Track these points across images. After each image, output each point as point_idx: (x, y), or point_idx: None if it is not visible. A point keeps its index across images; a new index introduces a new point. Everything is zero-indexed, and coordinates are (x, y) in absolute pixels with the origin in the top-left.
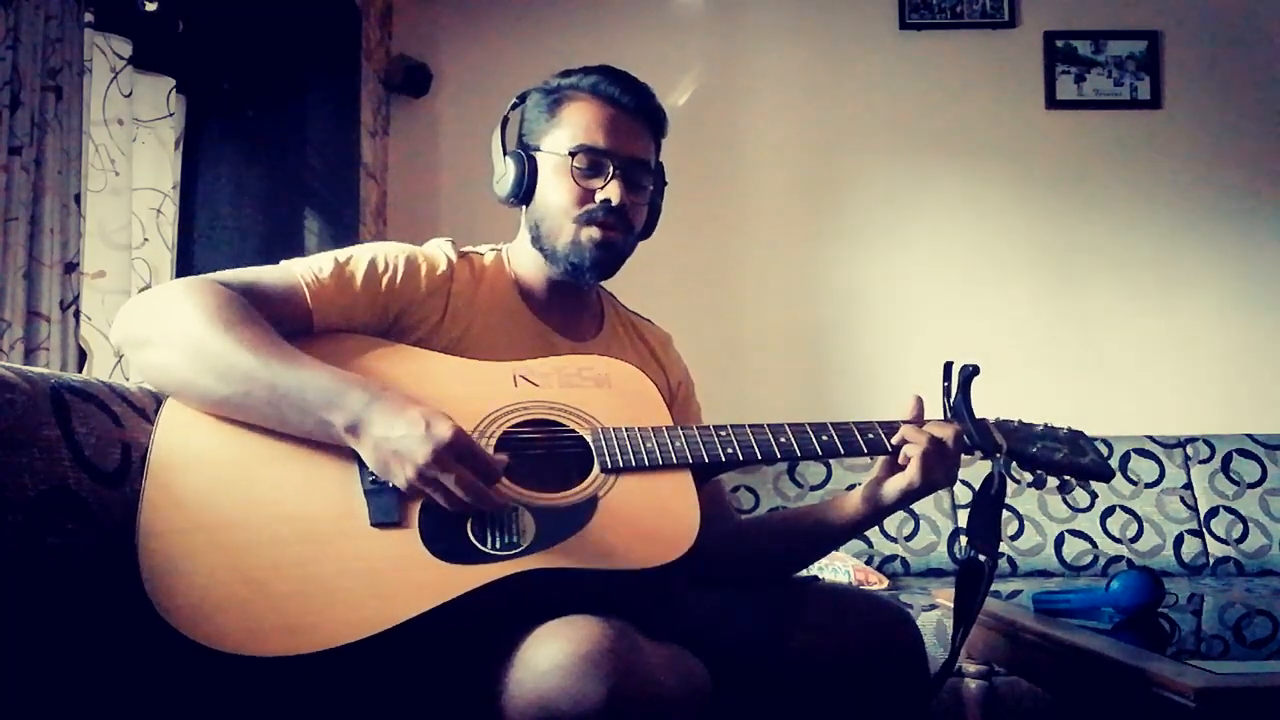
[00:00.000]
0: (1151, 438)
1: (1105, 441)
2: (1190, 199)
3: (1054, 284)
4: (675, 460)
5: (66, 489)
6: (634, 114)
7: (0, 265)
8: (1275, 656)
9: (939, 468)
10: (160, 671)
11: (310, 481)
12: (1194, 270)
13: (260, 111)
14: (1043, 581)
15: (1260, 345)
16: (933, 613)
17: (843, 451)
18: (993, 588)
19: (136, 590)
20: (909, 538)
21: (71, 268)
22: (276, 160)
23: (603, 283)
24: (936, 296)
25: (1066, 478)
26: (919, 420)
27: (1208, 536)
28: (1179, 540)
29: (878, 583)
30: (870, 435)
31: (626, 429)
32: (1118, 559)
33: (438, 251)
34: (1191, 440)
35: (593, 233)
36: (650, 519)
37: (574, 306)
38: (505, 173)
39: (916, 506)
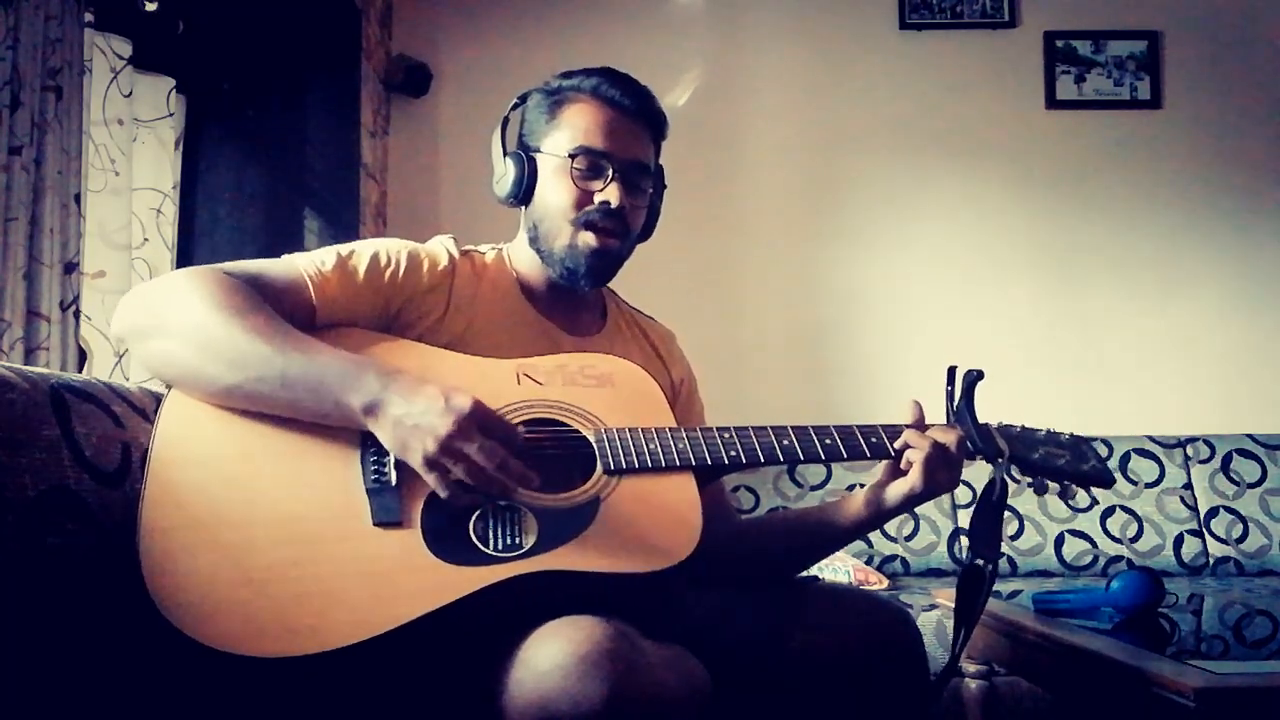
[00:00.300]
0: (1151, 438)
1: (1105, 441)
2: (1190, 199)
3: (1054, 284)
4: (678, 462)
5: (66, 489)
6: (635, 117)
7: (0, 265)
8: (1275, 656)
9: (942, 473)
10: (161, 672)
11: (312, 479)
12: (1194, 270)
13: (260, 111)
14: (1043, 581)
15: (1260, 345)
16: (933, 613)
17: (845, 455)
18: (992, 589)
19: (136, 590)
20: (909, 538)
21: (71, 268)
22: (276, 160)
23: None
24: (936, 296)
25: (1068, 483)
26: (921, 425)
27: (1208, 536)
28: (1179, 540)
29: (878, 583)
30: (873, 439)
31: (630, 430)
32: (1118, 559)
33: (440, 248)
34: (1191, 440)
35: (589, 239)
36: (653, 522)
37: (576, 303)
38: (505, 173)
39: (917, 507)
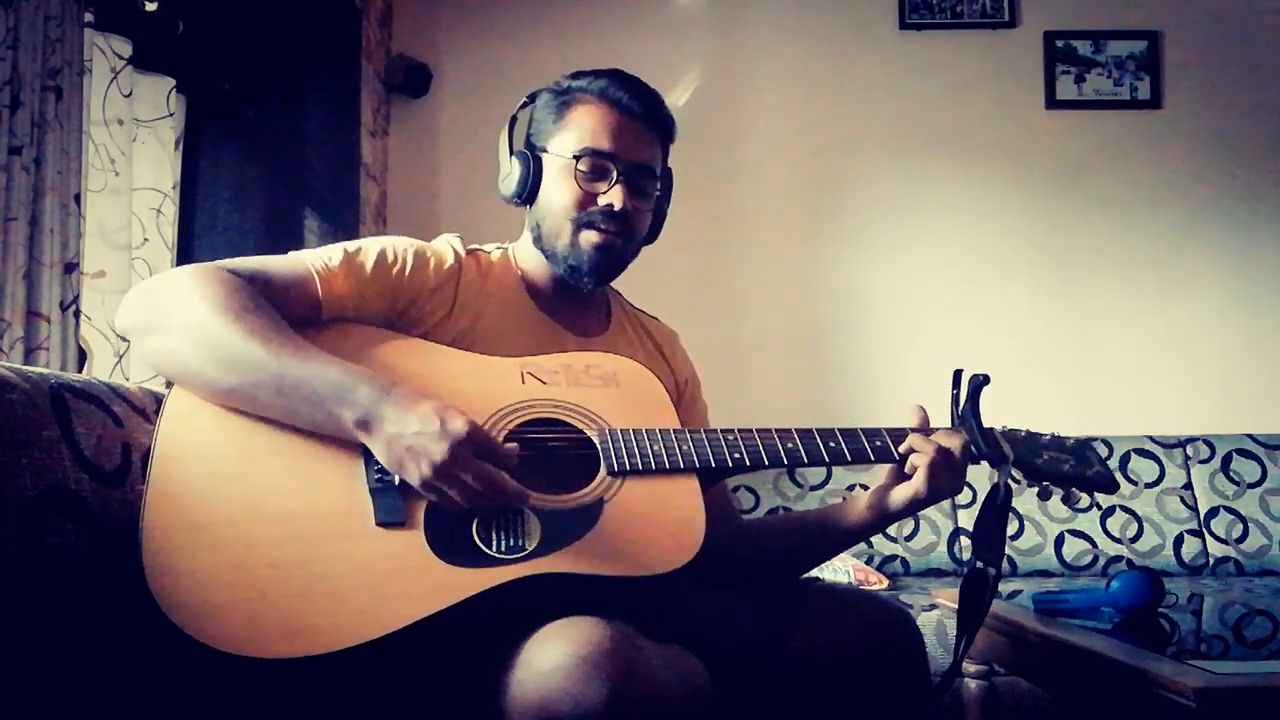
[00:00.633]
0: (1151, 438)
1: (1105, 441)
2: (1190, 199)
3: (1054, 283)
4: (682, 464)
5: (66, 489)
6: (642, 119)
7: (0, 265)
8: (1275, 656)
9: (946, 478)
10: (162, 672)
11: (315, 478)
12: (1194, 270)
13: (260, 111)
14: (1043, 581)
15: (1260, 345)
16: (933, 613)
17: (849, 458)
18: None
19: (137, 590)
20: (909, 538)
21: (71, 268)
22: (276, 160)
23: None
24: (936, 296)
25: (1072, 489)
26: (926, 429)
27: (1208, 536)
28: (1179, 540)
29: (878, 583)
30: (878, 443)
31: (634, 431)
32: (1118, 559)
33: (445, 246)
34: (1191, 440)
35: (591, 236)
36: (656, 524)
37: (580, 303)
38: (510, 172)
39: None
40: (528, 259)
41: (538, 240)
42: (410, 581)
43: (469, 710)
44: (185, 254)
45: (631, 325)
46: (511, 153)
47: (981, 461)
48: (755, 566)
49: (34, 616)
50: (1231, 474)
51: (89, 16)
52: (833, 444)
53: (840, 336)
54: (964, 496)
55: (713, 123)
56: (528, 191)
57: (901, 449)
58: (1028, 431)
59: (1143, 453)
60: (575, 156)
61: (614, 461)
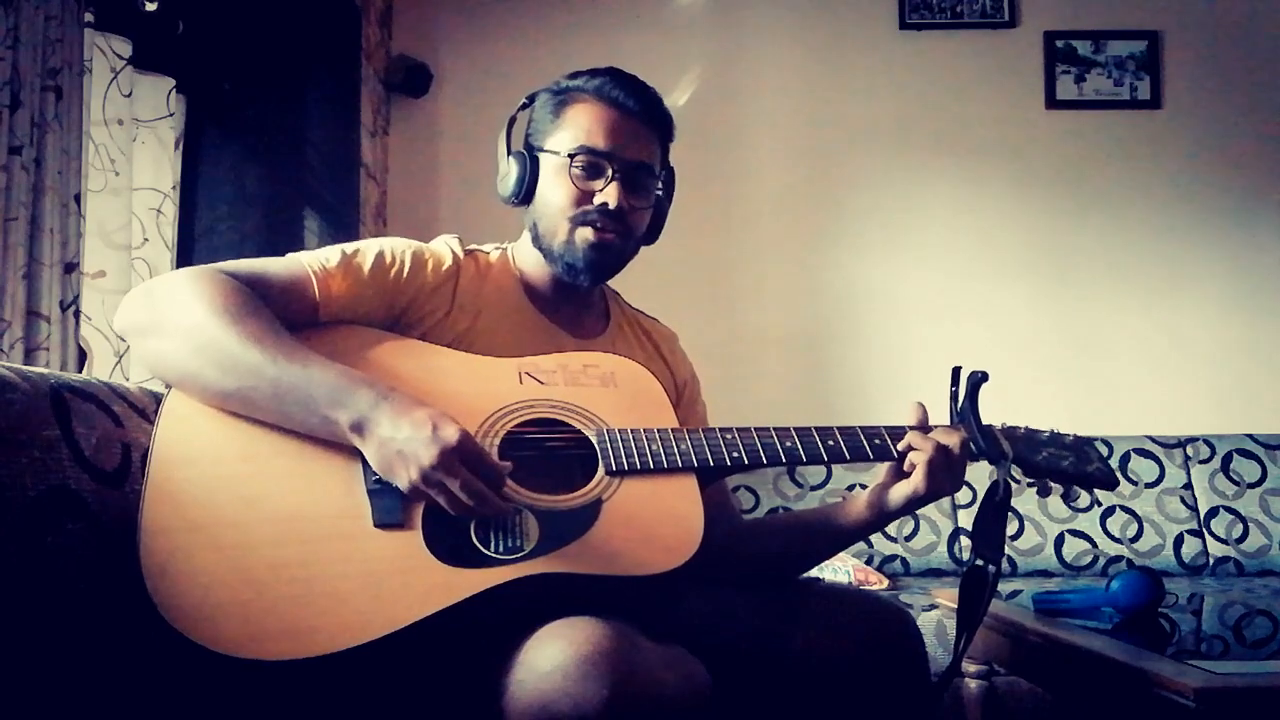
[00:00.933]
0: (1151, 438)
1: (1105, 442)
2: (1190, 199)
3: (1054, 283)
4: (680, 463)
5: (66, 489)
6: (638, 117)
7: (0, 265)
8: (1275, 656)
9: (945, 475)
10: (162, 673)
11: (313, 480)
12: (1194, 270)
13: (260, 111)
14: (1043, 581)
15: (1260, 345)
16: (933, 613)
17: (848, 456)
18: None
19: (136, 591)
20: (909, 538)
21: (71, 268)
22: (276, 160)
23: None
24: (936, 296)
25: (1072, 485)
26: (925, 426)
27: (1208, 536)
28: (1179, 540)
29: (878, 583)
30: (876, 441)
31: (632, 431)
32: (1118, 559)
33: (444, 247)
34: (1191, 440)
35: (587, 234)
36: (654, 523)
37: (579, 304)
38: (507, 172)
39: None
40: (526, 259)
41: (536, 240)
42: (409, 582)
43: (468, 711)
44: (185, 254)
45: (630, 326)
46: (509, 153)
47: (981, 459)
48: (755, 566)
49: (34, 616)
50: (1231, 474)
51: (89, 16)
52: (831, 442)
53: (840, 336)
54: (964, 496)
55: (713, 123)
56: (524, 191)
57: (900, 447)
58: (1026, 428)
59: (1143, 453)
60: (571, 155)
61: (612, 461)
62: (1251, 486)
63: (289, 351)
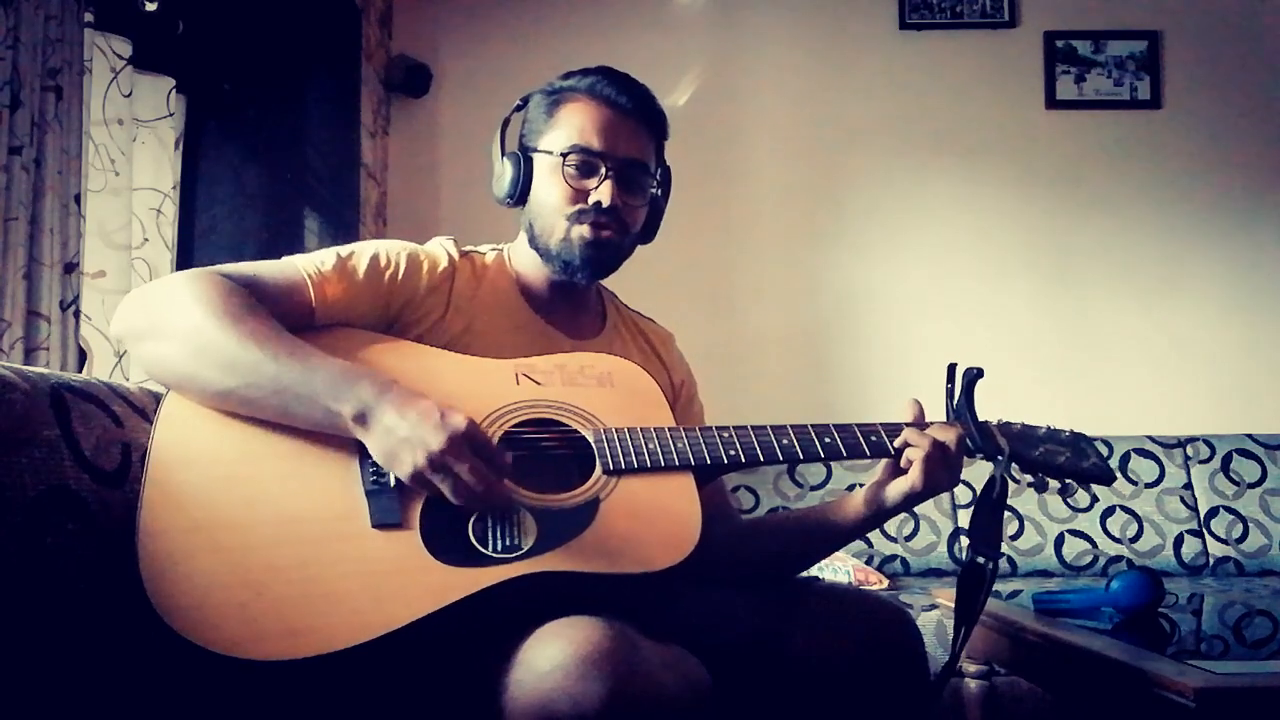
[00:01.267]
0: (1151, 438)
1: (1105, 441)
2: (1190, 199)
3: (1053, 283)
4: (677, 462)
5: (66, 489)
6: (632, 115)
7: (0, 265)
8: (1275, 656)
9: (941, 471)
10: (160, 673)
11: (311, 481)
12: (1194, 270)
13: (260, 111)
14: (1043, 581)
15: (1260, 345)
16: (933, 613)
17: (845, 454)
18: (993, 588)
19: (136, 591)
20: (909, 538)
21: (71, 268)
22: (276, 160)
23: (601, 282)
24: (936, 296)
25: (1068, 481)
26: (921, 423)
27: (1208, 536)
28: (1179, 540)
29: (878, 583)
30: (873, 437)
31: (629, 430)
32: (1118, 559)
33: (439, 249)
34: (1191, 440)
35: (584, 231)
36: (652, 522)
37: (575, 305)
38: (502, 173)
39: (917, 507)
40: (522, 260)
41: (532, 240)
42: (407, 582)
43: (468, 710)
44: (185, 254)
45: (627, 327)
46: (503, 154)
47: (978, 455)
48: (754, 566)
49: (34, 616)
50: (1231, 474)
51: (89, 16)
52: (828, 440)
53: (839, 336)
54: (964, 496)
55: (713, 123)
56: (519, 192)
57: (897, 443)
58: (1023, 424)
59: (1143, 453)
60: (564, 154)
61: (609, 460)
62: (1251, 486)
63: (289, 348)
